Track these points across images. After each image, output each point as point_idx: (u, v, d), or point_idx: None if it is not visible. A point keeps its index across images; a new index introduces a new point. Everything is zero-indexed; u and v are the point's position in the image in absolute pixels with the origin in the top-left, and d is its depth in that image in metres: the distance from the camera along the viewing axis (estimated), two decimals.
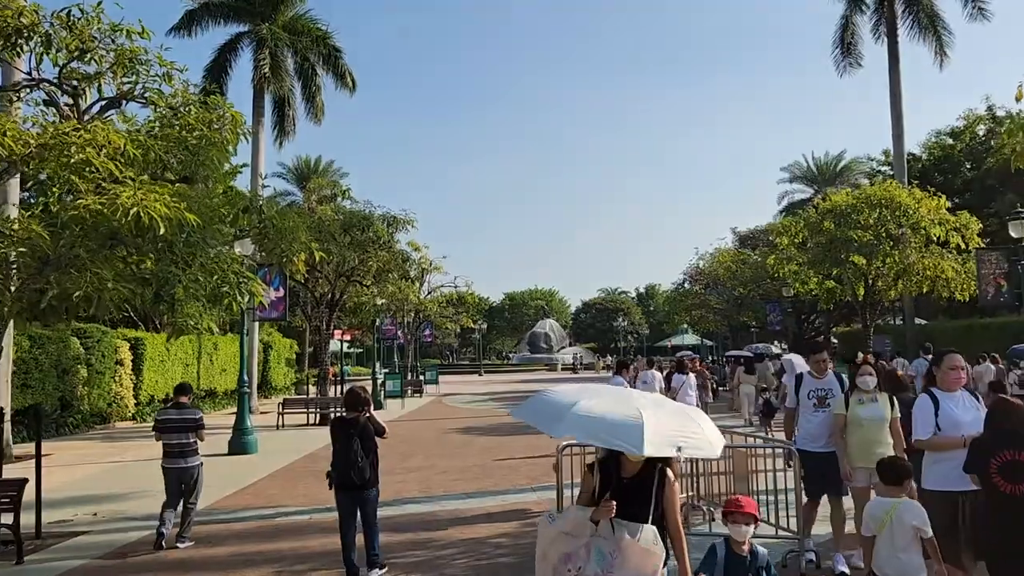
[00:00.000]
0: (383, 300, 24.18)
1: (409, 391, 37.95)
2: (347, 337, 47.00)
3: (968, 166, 35.09)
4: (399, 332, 43.50)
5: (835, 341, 44.77)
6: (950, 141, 37.74)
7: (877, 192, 22.72)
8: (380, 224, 22.66)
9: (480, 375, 66.24)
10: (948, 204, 22.11)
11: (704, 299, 38.23)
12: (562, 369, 76.42)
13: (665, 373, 16.56)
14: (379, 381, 31.10)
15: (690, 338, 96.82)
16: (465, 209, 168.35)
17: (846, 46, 33.45)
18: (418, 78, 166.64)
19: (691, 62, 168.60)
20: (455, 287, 38.79)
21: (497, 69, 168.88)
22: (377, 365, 55.08)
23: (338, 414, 7.24)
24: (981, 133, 36.39)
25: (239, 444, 16.22)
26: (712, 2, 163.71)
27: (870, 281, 23.56)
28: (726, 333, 47.10)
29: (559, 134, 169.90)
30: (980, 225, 21.89)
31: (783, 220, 25.42)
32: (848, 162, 47.08)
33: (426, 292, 38.78)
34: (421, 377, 42.12)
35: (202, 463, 9.01)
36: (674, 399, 16.87)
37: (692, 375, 15.83)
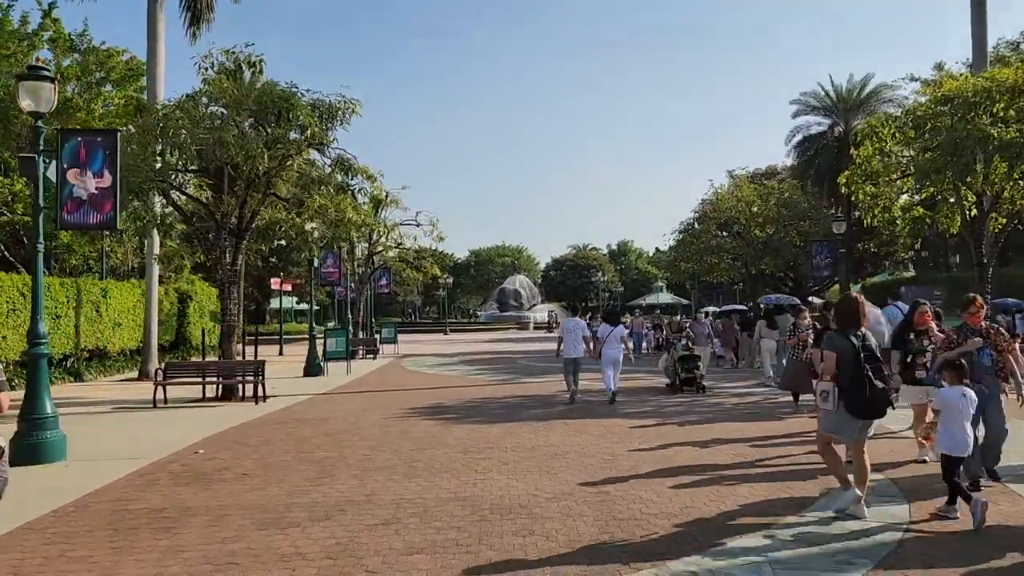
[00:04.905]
0: (314, 224, 16.94)
1: (362, 352, 31.03)
2: (287, 287, 39.63)
3: None
4: (351, 283, 36.20)
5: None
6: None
7: (1014, 76, 16.07)
8: (307, 112, 15.41)
9: (445, 334, 59.51)
10: None
11: (720, 241, 31.53)
12: (534, 328, 70.04)
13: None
14: (317, 339, 24.01)
15: (665, 296, 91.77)
16: (426, 164, 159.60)
17: None
18: (380, 31, 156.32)
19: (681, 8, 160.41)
20: (417, 223, 31.50)
21: (467, 25, 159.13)
22: (331, 323, 47.92)
23: None
24: None
25: (29, 447, 9.14)
26: None
27: (984, 205, 17.10)
28: (733, 283, 40.74)
29: (530, 87, 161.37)
30: None
31: (869, 120, 18.67)
32: (876, 87, 40.44)
33: (379, 234, 31.45)
34: (377, 335, 35.08)
35: (1, 452, 4.87)
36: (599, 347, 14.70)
37: (621, 326, 15.22)
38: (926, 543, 5.61)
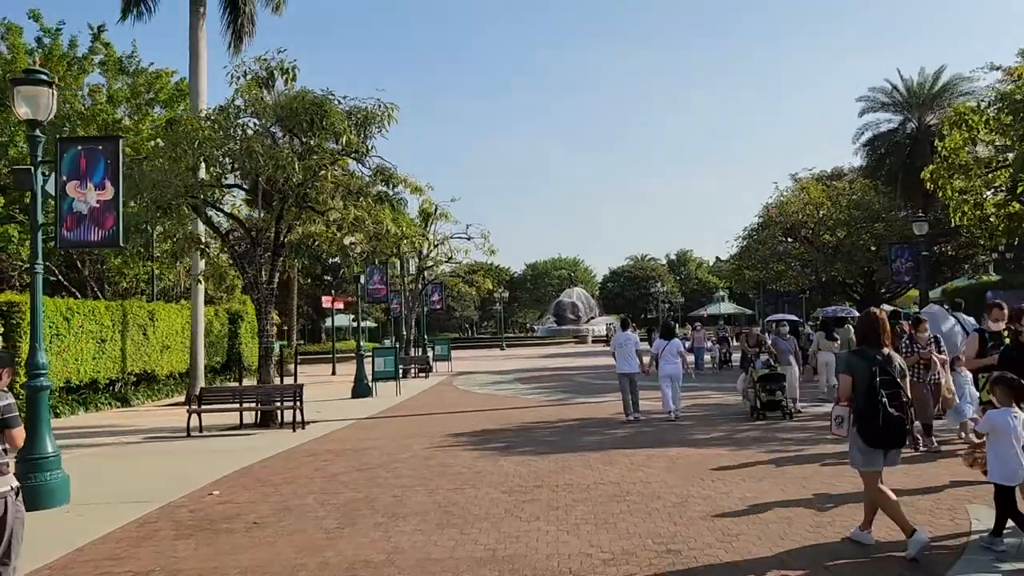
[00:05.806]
0: (353, 239, 16.01)
1: (415, 370, 30.12)
2: (340, 305, 39.07)
3: None
4: (403, 298, 35.39)
5: (914, 308, 36.12)
6: None
7: None
8: (342, 118, 14.50)
9: (502, 349, 58.53)
10: None
11: (788, 247, 29.68)
12: (593, 341, 68.45)
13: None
14: (365, 358, 23.09)
15: (727, 306, 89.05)
16: (481, 179, 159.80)
17: None
18: (429, 45, 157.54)
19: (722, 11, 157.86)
20: (468, 237, 30.50)
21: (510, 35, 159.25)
22: (387, 341, 47.37)
23: None
24: None
25: (26, 491, 8.21)
26: None
27: None
28: (800, 291, 38.57)
29: (583, 96, 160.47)
30: None
31: (956, 107, 16.93)
32: (950, 79, 38.03)
33: (429, 248, 30.58)
34: (429, 352, 34.14)
35: (16, 491, 5.06)
36: (654, 362, 14.37)
37: (676, 340, 14.73)
38: None
